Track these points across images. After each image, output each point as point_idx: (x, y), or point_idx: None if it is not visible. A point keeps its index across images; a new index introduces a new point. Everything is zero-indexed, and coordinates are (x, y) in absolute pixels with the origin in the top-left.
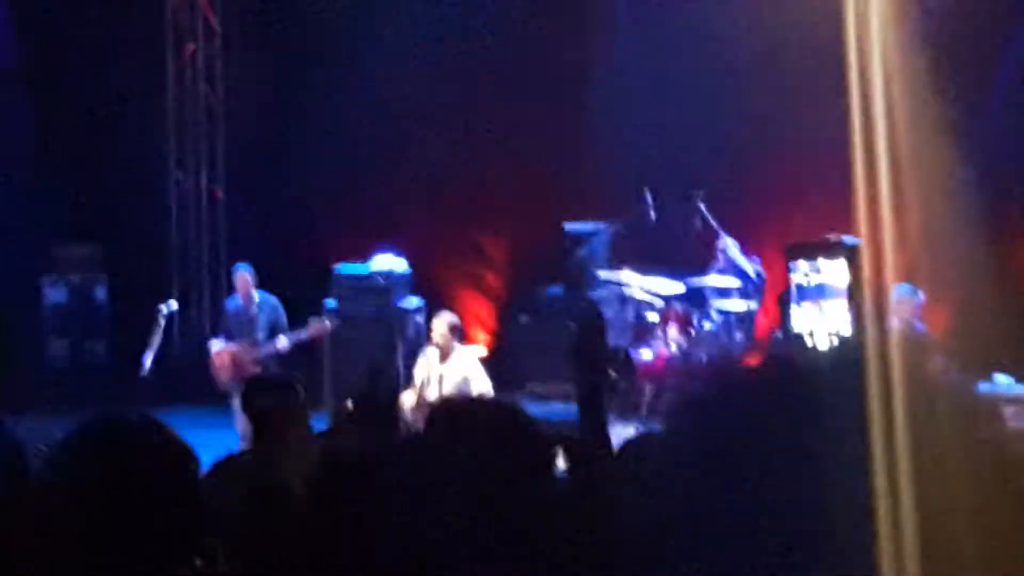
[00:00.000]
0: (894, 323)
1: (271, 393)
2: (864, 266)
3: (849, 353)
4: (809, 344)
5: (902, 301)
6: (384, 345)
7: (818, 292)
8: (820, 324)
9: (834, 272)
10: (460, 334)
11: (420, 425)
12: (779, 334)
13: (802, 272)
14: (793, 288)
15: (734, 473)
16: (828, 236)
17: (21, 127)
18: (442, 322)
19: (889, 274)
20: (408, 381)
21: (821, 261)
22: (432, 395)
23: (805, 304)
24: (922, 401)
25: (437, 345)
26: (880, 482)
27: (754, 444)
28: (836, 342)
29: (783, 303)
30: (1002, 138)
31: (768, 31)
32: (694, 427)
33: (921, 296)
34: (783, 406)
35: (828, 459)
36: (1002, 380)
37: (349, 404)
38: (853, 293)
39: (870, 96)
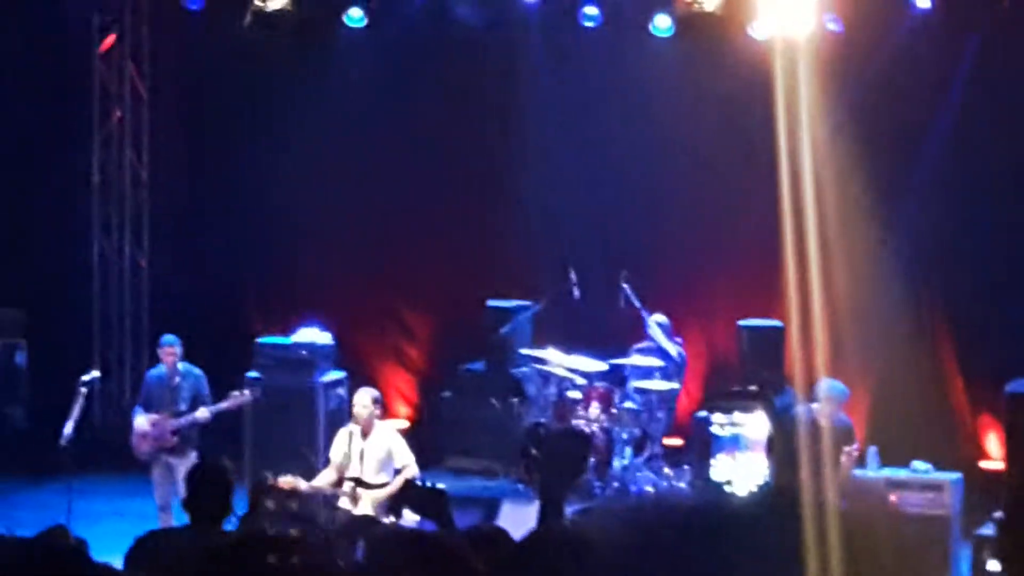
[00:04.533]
0: (821, 415)
1: (213, 485)
2: (791, 356)
3: (776, 497)
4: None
5: (830, 397)
6: (305, 417)
7: (734, 443)
8: (737, 474)
9: (751, 424)
10: (382, 409)
11: (345, 503)
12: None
13: (718, 424)
14: (711, 439)
15: None
16: (748, 387)
17: None
18: (365, 396)
19: (816, 357)
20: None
21: (737, 414)
22: (354, 471)
23: (721, 455)
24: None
25: (359, 420)
26: None
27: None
28: (756, 490)
29: (702, 451)
30: (923, 225)
31: (699, 115)
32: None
33: (846, 390)
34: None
35: None
36: (920, 467)
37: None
38: (773, 445)
39: (800, 181)
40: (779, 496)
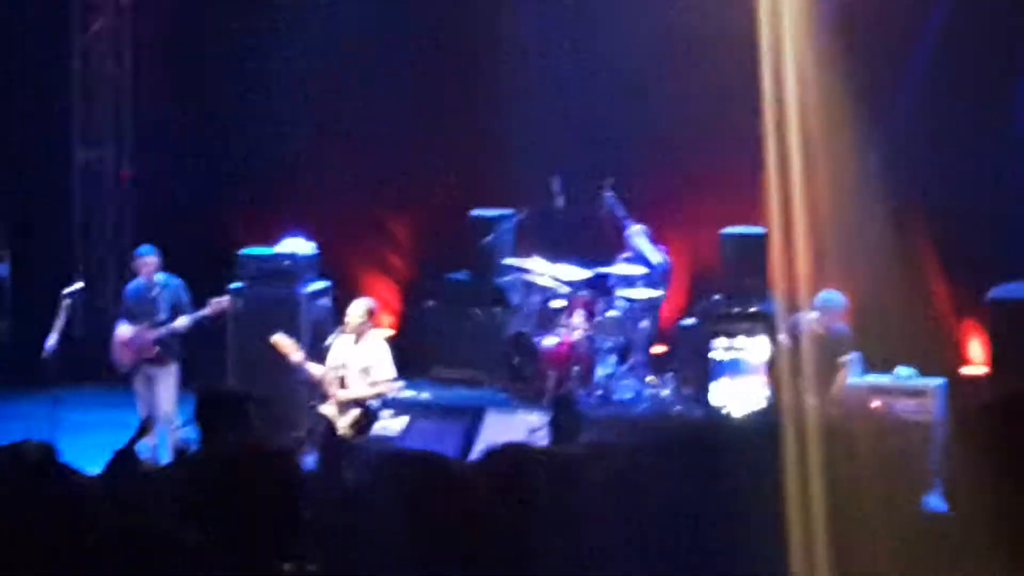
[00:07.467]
0: (817, 325)
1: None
2: (774, 258)
3: (766, 418)
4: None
5: (827, 308)
6: (289, 328)
7: (734, 367)
8: (737, 399)
9: (754, 348)
10: (375, 319)
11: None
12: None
13: (721, 348)
14: (711, 363)
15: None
16: (750, 308)
17: None
18: (360, 307)
19: (800, 264)
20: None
21: (741, 338)
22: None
23: (723, 379)
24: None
25: (350, 328)
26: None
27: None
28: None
29: (701, 376)
30: (909, 131)
31: (683, 22)
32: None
33: (844, 300)
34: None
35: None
36: (903, 372)
37: None
38: (772, 368)
39: (782, 88)
40: (777, 415)
